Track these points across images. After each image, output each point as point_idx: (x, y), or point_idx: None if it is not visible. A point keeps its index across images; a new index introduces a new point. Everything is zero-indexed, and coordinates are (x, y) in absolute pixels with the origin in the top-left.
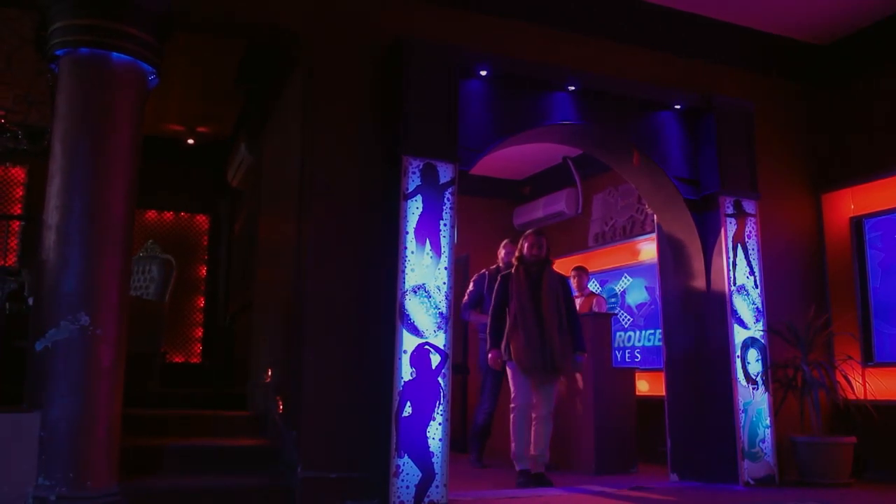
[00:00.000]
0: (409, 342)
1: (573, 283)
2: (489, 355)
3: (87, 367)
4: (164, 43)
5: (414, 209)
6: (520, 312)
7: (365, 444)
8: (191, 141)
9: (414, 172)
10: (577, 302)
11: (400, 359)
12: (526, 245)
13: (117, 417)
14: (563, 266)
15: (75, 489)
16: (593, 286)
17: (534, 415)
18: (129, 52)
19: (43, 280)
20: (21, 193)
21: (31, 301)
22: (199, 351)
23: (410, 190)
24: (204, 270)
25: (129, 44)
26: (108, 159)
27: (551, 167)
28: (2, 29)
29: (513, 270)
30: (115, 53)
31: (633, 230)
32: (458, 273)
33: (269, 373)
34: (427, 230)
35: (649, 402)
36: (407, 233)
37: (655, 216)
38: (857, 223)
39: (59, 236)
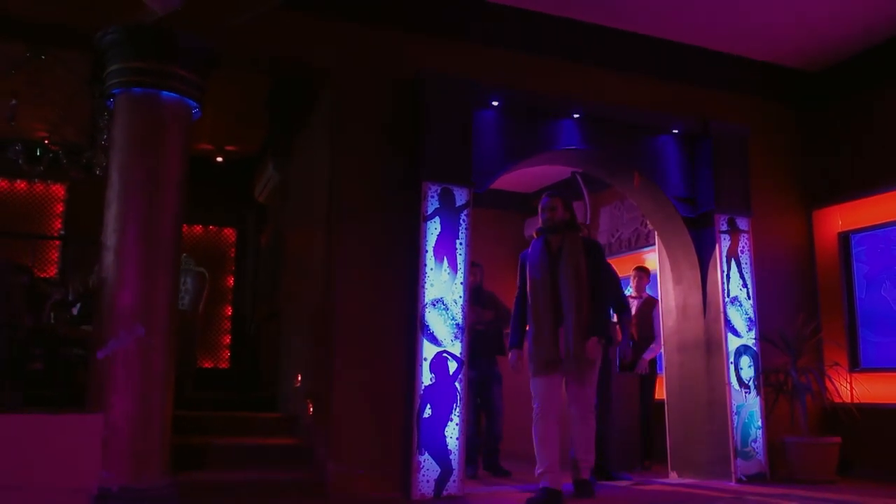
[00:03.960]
0: (428, 350)
1: (632, 283)
2: (509, 356)
3: (143, 373)
4: (206, 80)
5: (433, 230)
6: (531, 295)
7: (389, 443)
8: (220, 159)
9: (433, 196)
10: (633, 305)
11: (421, 365)
12: (539, 210)
13: (169, 418)
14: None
15: (134, 481)
16: None
17: (572, 415)
18: (177, 91)
19: (102, 296)
20: (61, 209)
21: (75, 310)
22: (227, 357)
23: (429, 212)
24: (231, 281)
25: (177, 83)
26: (159, 187)
27: (560, 181)
28: (61, 70)
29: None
30: (164, 92)
31: (637, 242)
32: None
33: (299, 378)
34: (445, 249)
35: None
36: (426, 251)
37: (656, 232)
38: (845, 238)
39: (116, 256)
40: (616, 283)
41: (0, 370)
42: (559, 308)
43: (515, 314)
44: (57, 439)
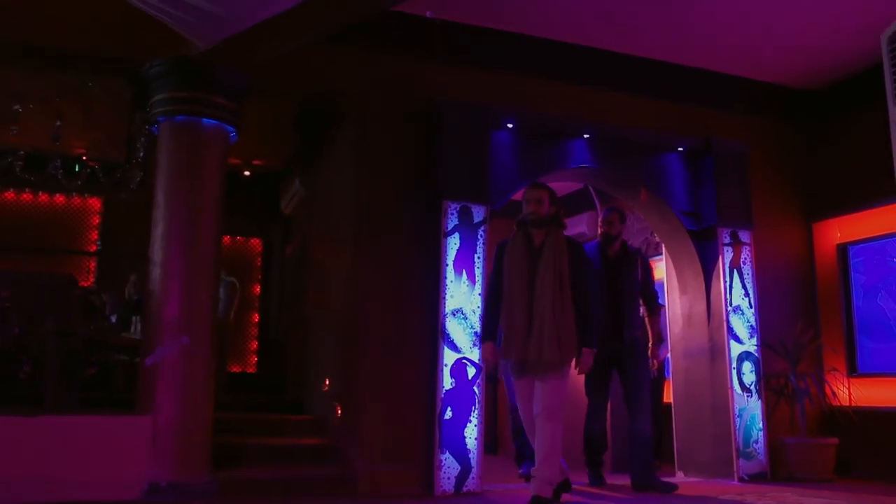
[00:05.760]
0: (449, 357)
1: None
2: (481, 348)
3: (187, 378)
4: (241, 106)
5: (452, 245)
6: (507, 290)
7: (413, 443)
8: (247, 173)
9: (452, 214)
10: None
11: (442, 371)
12: (523, 202)
13: (210, 420)
14: None
15: (181, 477)
16: None
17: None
18: (216, 118)
19: (150, 307)
20: (97, 221)
21: (113, 319)
22: (254, 361)
23: (449, 229)
24: (258, 289)
25: (216, 111)
26: (200, 207)
27: (573, 192)
28: (106, 96)
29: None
30: (205, 119)
31: (647, 251)
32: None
33: (327, 382)
34: (464, 263)
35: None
36: (447, 265)
37: (662, 243)
38: (843, 250)
39: (162, 271)
40: (650, 279)
41: (59, 375)
42: (533, 308)
43: (487, 306)
44: (111, 438)
